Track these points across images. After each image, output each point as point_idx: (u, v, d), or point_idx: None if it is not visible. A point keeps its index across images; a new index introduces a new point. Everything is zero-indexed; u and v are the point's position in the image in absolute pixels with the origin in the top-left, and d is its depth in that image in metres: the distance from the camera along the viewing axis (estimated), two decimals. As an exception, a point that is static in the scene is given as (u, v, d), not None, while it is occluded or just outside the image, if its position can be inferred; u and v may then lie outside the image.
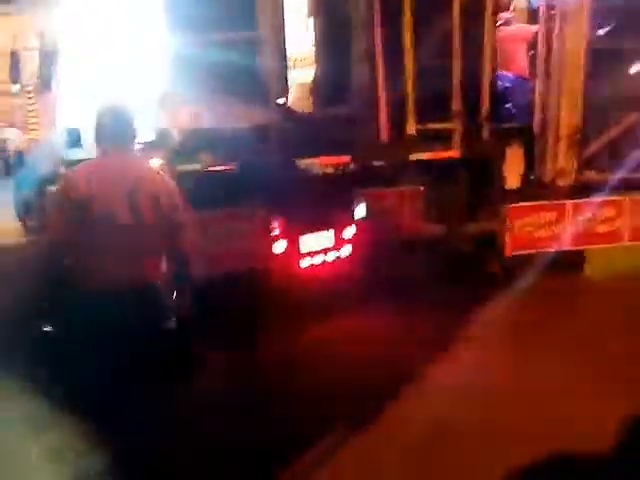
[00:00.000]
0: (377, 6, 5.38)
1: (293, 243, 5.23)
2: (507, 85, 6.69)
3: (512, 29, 7.05)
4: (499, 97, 6.56)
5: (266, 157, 5.50)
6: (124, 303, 2.47)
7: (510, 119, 6.51)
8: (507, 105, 6.60)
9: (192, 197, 5.29)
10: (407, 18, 5.39)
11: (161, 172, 2.95)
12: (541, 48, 5.94)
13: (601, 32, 6.10)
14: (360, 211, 5.77)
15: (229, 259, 5.14)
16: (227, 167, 5.67)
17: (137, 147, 3.22)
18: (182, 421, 3.23)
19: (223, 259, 5.08)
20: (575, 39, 5.71)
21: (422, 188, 6.16)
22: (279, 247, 5.18)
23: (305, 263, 5.35)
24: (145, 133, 5.83)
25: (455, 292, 5.96)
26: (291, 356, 4.57)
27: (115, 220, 2.50)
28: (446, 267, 6.05)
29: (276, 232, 5.13)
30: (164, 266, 2.73)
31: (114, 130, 2.62)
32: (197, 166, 5.62)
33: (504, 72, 6.89)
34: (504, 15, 7.07)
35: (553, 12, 5.82)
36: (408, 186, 6.00)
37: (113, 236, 2.50)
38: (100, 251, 2.51)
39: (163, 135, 5.66)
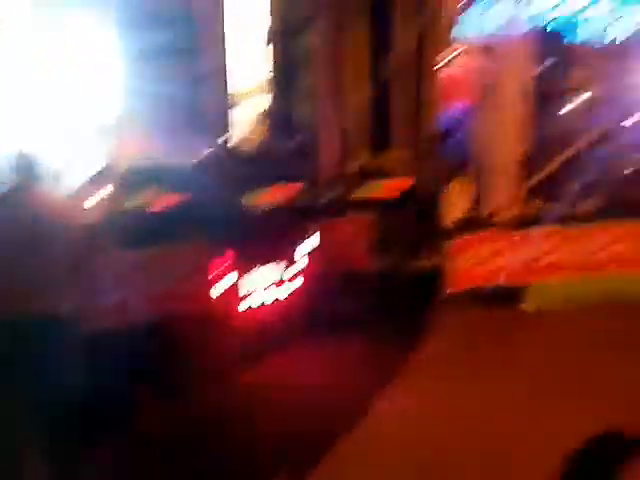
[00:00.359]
0: (327, 38, 5.45)
1: (242, 278, 5.16)
2: (450, 119, 6.86)
3: (456, 65, 7.25)
4: (443, 131, 6.74)
5: (212, 191, 5.45)
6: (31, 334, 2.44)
7: (454, 153, 6.67)
8: (451, 139, 6.76)
9: (134, 233, 5.26)
10: (352, 55, 5.46)
11: (70, 208, 2.92)
12: (482, 85, 6.10)
13: (540, 69, 6.34)
14: (308, 245, 5.77)
15: (170, 299, 5.03)
16: (172, 202, 5.60)
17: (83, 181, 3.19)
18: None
19: (163, 299, 4.96)
20: (515, 75, 5.90)
21: (369, 221, 6.23)
22: (224, 284, 5.10)
23: (253, 299, 5.29)
24: (89, 166, 5.76)
25: (400, 326, 6.01)
26: (231, 401, 4.48)
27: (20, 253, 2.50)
28: (391, 300, 6.11)
29: (221, 268, 5.06)
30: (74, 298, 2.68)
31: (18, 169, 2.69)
32: (141, 201, 5.53)
33: (448, 107, 7.08)
34: (448, 51, 7.29)
35: (494, 50, 6.00)
36: (355, 219, 6.04)
37: (18, 267, 2.49)
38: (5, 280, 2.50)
39: (106, 169, 5.57)
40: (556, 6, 7.22)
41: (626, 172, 6.68)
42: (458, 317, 6.27)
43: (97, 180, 5.62)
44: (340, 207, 5.91)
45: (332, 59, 5.45)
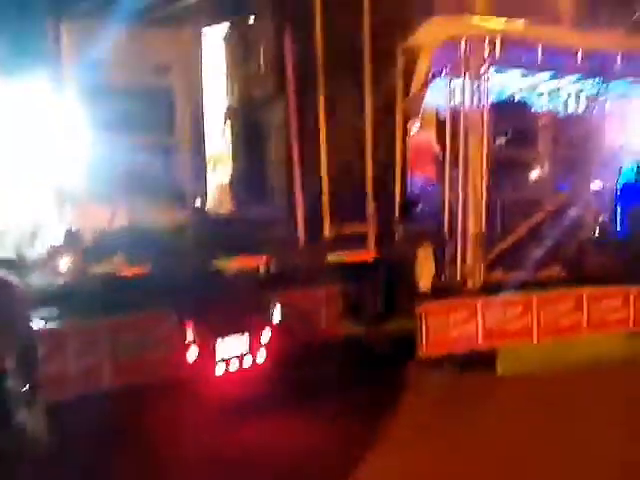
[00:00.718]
0: (293, 112, 5.57)
1: (207, 349, 5.05)
2: (418, 189, 7.04)
3: (422, 137, 7.50)
4: (411, 200, 6.89)
5: (181, 259, 5.40)
6: None
7: (421, 221, 6.80)
8: (418, 208, 6.91)
9: (102, 301, 5.15)
10: (322, 125, 5.59)
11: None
12: (447, 156, 6.29)
13: (501, 142, 6.60)
14: (276, 314, 5.70)
15: (140, 368, 4.90)
16: (140, 269, 5.52)
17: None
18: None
19: (134, 368, 4.83)
20: (477, 148, 6.11)
21: (338, 289, 6.23)
22: (192, 354, 4.98)
23: (219, 369, 5.16)
24: (53, 234, 5.67)
25: (371, 393, 5.94)
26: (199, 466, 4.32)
27: None
28: (362, 368, 6.04)
29: (189, 338, 4.95)
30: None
31: None
32: (109, 268, 5.43)
33: (415, 176, 7.28)
34: (415, 123, 7.55)
35: (457, 123, 6.22)
36: (324, 287, 6.03)
37: None
38: None
39: (72, 236, 5.48)
40: (519, 78, 7.62)
41: (586, 239, 6.88)
42: (431, 381, 6.26)
43: (64, 247, 5.52)
44: (310, 275, 5.90)
45: (300, 130, 5.56)
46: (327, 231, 5.67)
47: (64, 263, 5.47)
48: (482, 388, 6.19)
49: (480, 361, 6.38)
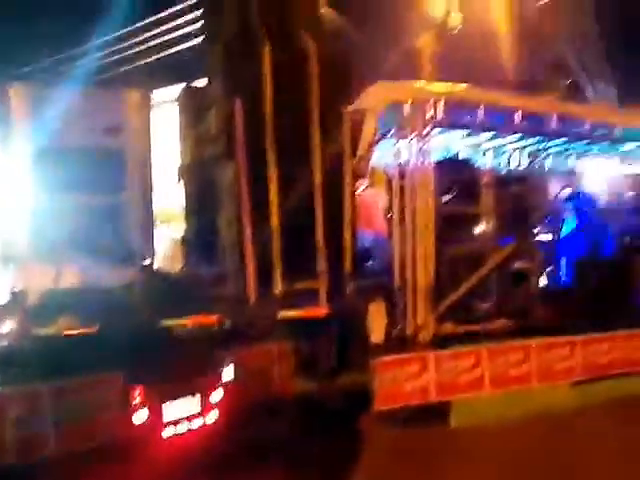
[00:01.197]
0: (242, 172, 5.67)
1: (155, 411, 4.93)
2: (368, 244, 7.19)
3: (371, 194, 7.72)
4: (361, 255, 7.02)
5: (130, 318, 5.33)
6: None
7: (372, 276, 6.92)
8: (368, 263, 7.05)
9: (47, 364, 5.02)
10: (272, 185, 5.70)
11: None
12: (395, 212, 6.47)
13: (446, 198, 6.82)
14: (228, 373, 5.63)
15: (86, 432, 4.75)
16: (87, 329, 5.42)
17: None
18: None
19: (80, 433, 4.69)
20: (424, 204, 6.30)
21: (291, 346, 6.22)
22: (140, 416, 4.86)
23: (168, 432, 5.03)
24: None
25: (326, 450, 5.88)
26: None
27: None
28: (315, 424, 5.98)
29: (137, 400, 4.83)
30: None
31: None
32: (54, 329, 5.32)
33: (365, 232, 7.45)
34: (363, 181, 7.77)
35: (404, 181, 6.43)
36: (276, 344, 6.01)
37: None
38: None
39: (16, 296, 5.38)
40: (462, 138, 7.97)
41: (532, 290, 7.10)
42: (385, 436, 6.24)
43: (8, 307, 5.41)
44: (262, 332, 5.89)
45: (250, 190, 5.66)
46: (278, 288, 5.70)
47: (7, 325, 5.34)
48: (436, 441, 6.22)
49: (434, 414, 6.42)
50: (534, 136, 7.65)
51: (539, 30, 13.18)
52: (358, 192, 6.71)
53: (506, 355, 6.64)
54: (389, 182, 6.61)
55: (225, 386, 5.50)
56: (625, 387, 7.33)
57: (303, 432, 6.37)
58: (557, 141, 8.00)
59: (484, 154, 8.39)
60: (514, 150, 8.66)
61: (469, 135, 7.65)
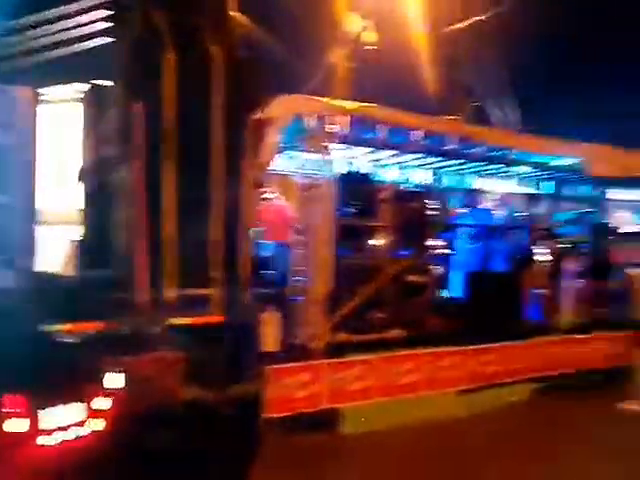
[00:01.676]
0: (140, 175, 5.59)
1: (30, 419, 4.76)
2: (268, 253, 7.27)
3: (279, 204, 7.82)
4: (262, 265, 7.08)
5: (8, 323, 5.13)
6: None
7: (270, 286, 7.00)
8: (268, 272, 7.12)
9: None
10: (169, 189, 5.65)
11: None
12: (296, 223, 6.57)
13: (347, 211, 7.01)
14: (117, 380, 5.51)
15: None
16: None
17: None
18: None
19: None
20: (324, 216, 6.44)
21: (182, 353, 6.18)
22: (11, 424, 4.68)
23: (45, 440, 4.87)
24: None
25: (216, 458, 5.89)
26: None
27: None
28: (206, 432, 5.97)
29: (8, 408, 4.65)
30: None
31: None
32: None
33: (270, 242, 7.55)
34: (274, 190, 7.86)
35: (306, 193, 6.55)
36: (168, 352, 5.95)
37: None
38: None
39: None
40: (365, 154, 8.22)
41: (426, 302, 7.39)
42: (278, 443, 6.32)
43: None
44: (151, 340, 5.82)
45: (145, 194, 5.58)
46: (171, 294, 5.65)
47: None
48: (325, 447, 6.37)
49: (325, 421, 6.57)
50: (434, 155, 8.00)
51: (450, 55, 13.85)
52: (267, 202, 6.76)
53: (397, 364, 6.90)
54: (295, 193, 6.71)
55: (113, 394, 5.39)
56: (508, 395, 7.79)
57: (194, 441, 6.38)
58: (456, 160, 8.41)
59: (386, 169, 8.71)
60: (416, 167, 9.04)
61: (372, 152, 7.92)
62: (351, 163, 8.57)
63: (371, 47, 11.47)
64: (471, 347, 7.42)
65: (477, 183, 10.12)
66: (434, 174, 9.52)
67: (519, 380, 7.94)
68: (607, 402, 7.91)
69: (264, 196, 7.47)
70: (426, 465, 5.94)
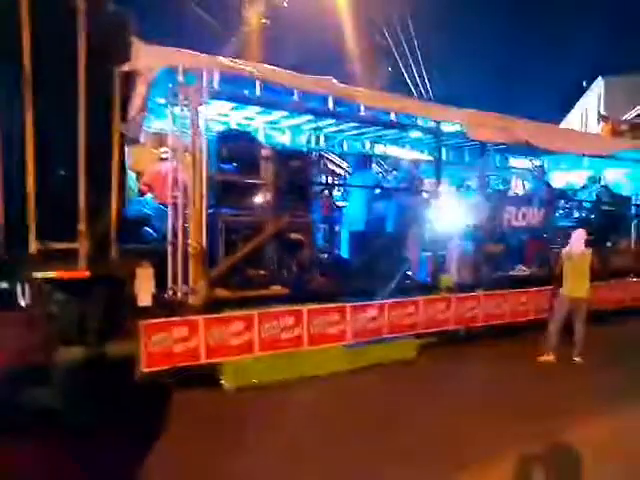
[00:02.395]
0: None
1: None
2: (148, 210, 7.21)
3: (163, 164, 7.73)
4: (140, 221, 7.02)
5: None
6: None
7: (150, 241, 6.96)
8: (147, 228, 7.07)
9: None
10: (30, 143, 5.51)
11: None
12: (172, 180, 6.54)
13: (226, 168, 7.02)
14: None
15: None
16: None
17: None
18: None
19: None
20: (196, 173, 6.43)
21: (52, 309, 6.09)
22: None
23: None
24: None
25: (91, 416, 5.86)
26: None
27: None
28: (80, 390, 5.91)
29: None
30: None
31: None
32: None
33: (147, 199, 7.48)
34: (163, 150, 7.76)
35: (183, 151, 6.51)
36: (37, 308, 5.85)
37: None
38: None
39: None
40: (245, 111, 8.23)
41: (307, 259, 7.52)
42: (156, 399, 6.33)
43: None
44: (15, 296, 5.70)
45: (5, 145, 5.43)
46: (33, 247, 5.53)
47: None
48: (209, 403, 6.45)
49: (205, 375, 6.62)
50: (308, 114, 8.10)
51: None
52: (160, 162, 6.65)
53: (278, 320, 7.00)
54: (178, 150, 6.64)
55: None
56: (390, 351, 8.07)
57: (68, 400, 6.29)
58: (339, 122, 8.57)
59: (266, 129, 8.80)
60: (298, 127, 9.16)
61: (249, 110, 7.95)
62: (229, 122, 8.61)
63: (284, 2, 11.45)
64: (352, 304, 7.59)
65: (366, 146, 10.36)
66: (317, 135, 9.70)
67: (404, 336, 8.21)
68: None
69: (162, 156, 7.42)
70: (308, 420, 6.02)
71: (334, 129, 9.72)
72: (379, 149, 10.53)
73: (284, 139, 9.67)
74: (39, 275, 5.66)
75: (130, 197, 7.21)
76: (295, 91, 7.19)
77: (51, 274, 5.69)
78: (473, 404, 6.54)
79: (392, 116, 8.16)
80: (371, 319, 7.82)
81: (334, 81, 7.25)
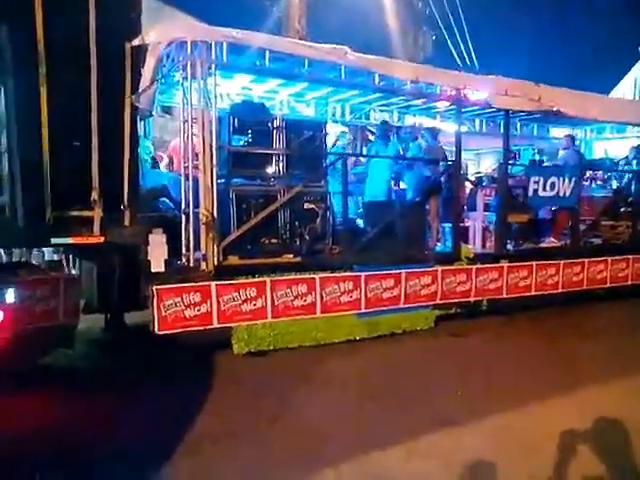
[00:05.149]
0: (14, 99, 5.73)
1: None
2: (165, 182, 7.47)
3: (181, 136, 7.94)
4: (157, 191, 7.30)
5: None
6: None
7: (167, 211, 7.23)
8: (164, 199, 7.33)
9: None
10: (44, 112, 5.80)
11: None
12: (184, 151, 6.75)
13: (238, 139, 7.16)
14: (8, 296, 5.75)
15: None
16: None
17: None
18: None
19: None
20: (206, 144, 6.60)
21: (77, 275, 6.45)
22: None
23: None
24: None
25: (113, 376, 6.24)
26: None
27: None
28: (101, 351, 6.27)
29: None
30: None
31: None
32: None
33: (166, 171, 7.76)
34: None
35: (193, 122, 6.68)
36: (62, 273, 6.19)
37: None
38: None
39: None
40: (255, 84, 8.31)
41: (323, 229, 7.60)
42: (171, 362, 6.64)
43: None
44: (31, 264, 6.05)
45: (21, 117, 5.74)
46: (48, 215, 5.86)
47: None
48: (219, 363, 6.75)
49: (217, 340, 6.88)
50: (326, 85, 8.11)
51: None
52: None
53: (290, 287, 7.16)
54: (183, 122, 6.81)
55: (4, 308, 5.66)
56: (406, 321, 8.11)
57: (90, 360, 6.72)
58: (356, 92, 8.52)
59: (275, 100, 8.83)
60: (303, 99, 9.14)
61: (261, 81, 8.01)
62: (252, 95, 8.74)
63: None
64: (366, 273, 7.66)
65: (394, 117, 10.28)
66: (329, 104, 9.70)
67: (421, 306, 8.23)
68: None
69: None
70: (319, 385, 6.18)
71: (359, 100, 9.70)
72: (405, 119, 10.45)
73: (309, 112, 9.73)
74: (56, 241, 5.99)
75: (148, 169, 7.49)
76: (306, 61, 7.24)
77: (67, 240, 6.01)
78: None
79: (408, 85, 8.07)
80: (386, 289, 7.87)
81: (348, 50, 7.24)
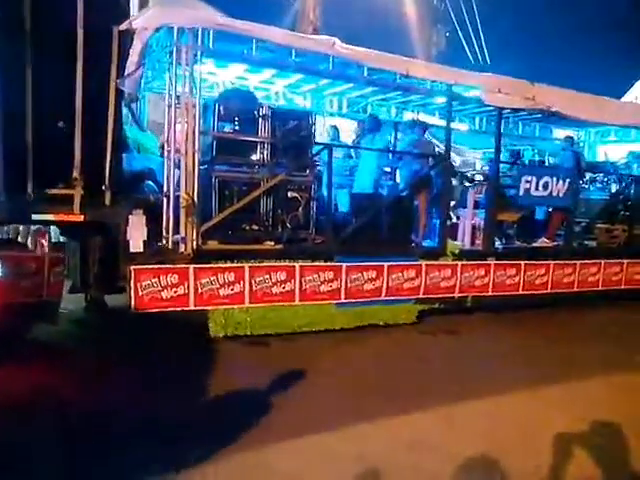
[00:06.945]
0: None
1: None
2: (154, 166, 7.60)
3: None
4: (143, 174, 7.44)
5: None
6: None
7: (151, 194, 7.36)
8: (150, 182, 7.47)
9: None
10: (29, 92, 5.95)
11: None
12: (166, 134, 6.87)
13: (220, 125, 7.25)
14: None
15: None
16: None
17: None
18: None
19: None
20: (191, 128, 6.71)
21: (62, 255, 6.62)
22: None
23: None
24: None
25: (90, 352, 6.39)
26: None
27: None
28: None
29: None
30: None
31: None
32: None
33: (151, 154, 7.90)
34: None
35: (177, 106, 6.79)
36: (48, 252, 6.34)
37: None
38: None
39: None
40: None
41: (305, 218, 7.68)
42: (145, 340, 6.78)
43: None
44: (17, 242, 6.21)
45: (5, 94, 5.91)
46: (29, 191, 6.02)
47: None
48: (195, 345, 6.91)
49: (194, 322, 7.01)
50: (316, 76, 8.16)
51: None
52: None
53: (269, 273, 7.24)
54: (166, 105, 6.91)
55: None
56: (387, 313, 8.16)
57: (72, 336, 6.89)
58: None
59: (263, 89, 8.88)
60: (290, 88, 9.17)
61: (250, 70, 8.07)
62: (248, 85, 8.84)
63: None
64: (347, 264, 7.71)
65: (391, 112, 10.30)
66: (325, 97, 9.74)
67: (403, 300, 8.27)
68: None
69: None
70: (292, 370, 6.22)
71: (355, 94, 9.73)
72: (404, 115, 10.47)
73: (306, 104, 9.80)
74: (37, 217, 6.15)
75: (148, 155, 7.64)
76: (293, 51, 7.31)
77: (48, 217, 6.17)
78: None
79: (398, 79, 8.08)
80: (368, 280, 7.92)
81: (336, 41, 7.28)
